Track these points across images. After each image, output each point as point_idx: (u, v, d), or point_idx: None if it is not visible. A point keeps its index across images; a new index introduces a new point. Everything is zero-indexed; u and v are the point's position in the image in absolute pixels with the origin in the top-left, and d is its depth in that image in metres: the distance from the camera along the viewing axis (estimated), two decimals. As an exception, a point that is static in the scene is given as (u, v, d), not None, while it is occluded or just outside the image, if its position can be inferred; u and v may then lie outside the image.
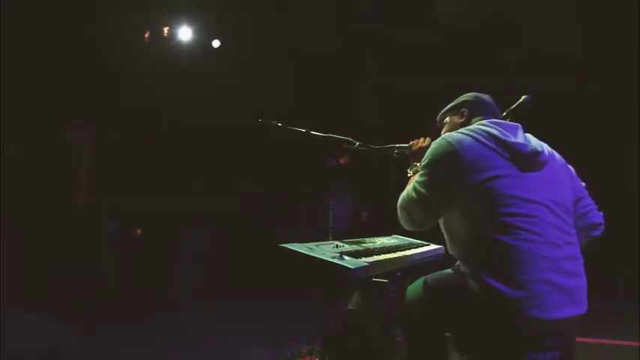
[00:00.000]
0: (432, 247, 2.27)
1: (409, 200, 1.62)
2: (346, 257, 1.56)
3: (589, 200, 1.75)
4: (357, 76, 7.03)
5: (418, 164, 1.89)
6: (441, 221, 1.68)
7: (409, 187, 1.65)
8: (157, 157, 7.60)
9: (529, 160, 1.55)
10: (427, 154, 1.62)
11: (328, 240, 1.96)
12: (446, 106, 1.92)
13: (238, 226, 7.96)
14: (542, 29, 5.90)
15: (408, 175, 1.94)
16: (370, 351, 2.25)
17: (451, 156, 1.52)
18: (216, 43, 6.95)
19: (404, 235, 2.51)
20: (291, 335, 3.81)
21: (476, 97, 1.83)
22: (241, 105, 6.94)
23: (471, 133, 1.57)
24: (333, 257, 1.54)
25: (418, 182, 1.61)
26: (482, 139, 1.55)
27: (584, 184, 1.77)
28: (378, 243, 2.11)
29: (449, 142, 1.55)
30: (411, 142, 2.04)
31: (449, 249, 1.69)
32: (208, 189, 8.16)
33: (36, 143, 6.89)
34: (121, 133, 7.40)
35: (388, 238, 2.34)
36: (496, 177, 1.48)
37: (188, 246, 7.05)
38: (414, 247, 2.18)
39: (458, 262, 1.63)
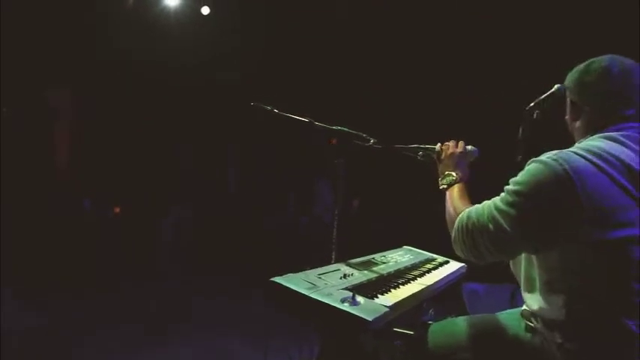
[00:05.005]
0: (454, 265, 1.89)
1: (481, 228, 1.18)
2: (359, 299, 1.17)
3: None
4: (369, 55, 6.32)
5: (454, 174, 1.48)
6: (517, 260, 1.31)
7: (484, 211, 1.19)
8: (139, 125, 7.10)
9: None
10: (525, 175, 1.15)
11: (331, 262, 1.57)
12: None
13: (223, 207, 7.56)
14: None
15: (442, 187, 1.50)
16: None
17: (564, 192, 1.07)
18: (205, 10, 6.40)
19: (413, 245, 2.15)
20: (279, 332, 3.47)
21: (608, 77, 1.19)
22: (231, 75, 6.47)
23: (594, 159, 1.09)
24: (344, 300, 1.15)
25: (501, 212, 1.15)
26: (613, 173, 1.07)
27: None
28: (392, 263, 1.72)
29: (563, 169, 1.08)
30: (439, 146, 1.61)
31: (525, 296, 1.28)
32: (193, 162, 7.73)
33: (13, 106, 6.39)
34: (101, 97, 6.91)
35: (400, 252, 1.95)
36: (631, 239, 1.06)
37: (170, 226, 6.66)
38: (434, 268, 1.79)
39: (526, 307, 1.27)
